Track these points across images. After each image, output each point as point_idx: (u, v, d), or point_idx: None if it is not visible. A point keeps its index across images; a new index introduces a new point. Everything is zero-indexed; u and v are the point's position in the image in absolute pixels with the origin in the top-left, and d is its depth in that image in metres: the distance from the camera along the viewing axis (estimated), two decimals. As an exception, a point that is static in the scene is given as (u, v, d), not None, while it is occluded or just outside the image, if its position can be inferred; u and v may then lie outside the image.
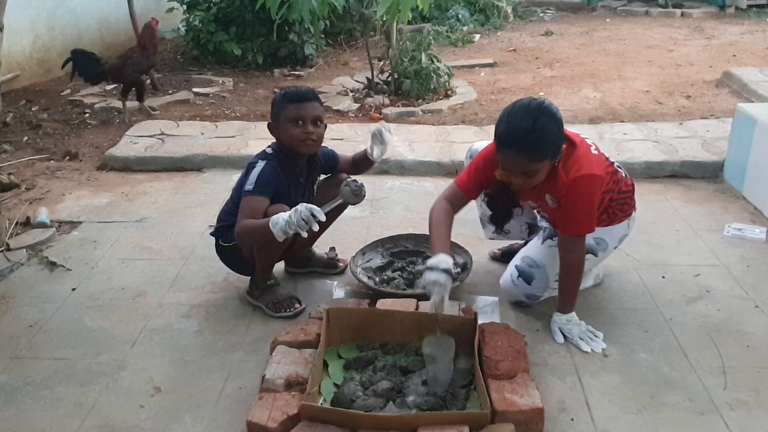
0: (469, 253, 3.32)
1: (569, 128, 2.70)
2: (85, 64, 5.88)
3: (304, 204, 2.59)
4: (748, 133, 4.18)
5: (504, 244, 3.51)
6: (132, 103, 6.31)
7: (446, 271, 2.55)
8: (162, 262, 3.54)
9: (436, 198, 2.94)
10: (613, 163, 2.92)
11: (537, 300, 3.05)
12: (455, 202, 2.92)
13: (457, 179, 2.95)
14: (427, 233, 2.95)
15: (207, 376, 2.65)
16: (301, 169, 3.06)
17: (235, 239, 2.86)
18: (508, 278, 3.04)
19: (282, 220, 2.60)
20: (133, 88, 6.09)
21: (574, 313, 2.87)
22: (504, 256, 3.46)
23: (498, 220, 3.18)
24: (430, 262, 2.60)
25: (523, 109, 2.53)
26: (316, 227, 2.59)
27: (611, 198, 2.89)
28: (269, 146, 3.03)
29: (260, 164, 2.90)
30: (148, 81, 6.66)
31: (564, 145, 2.64)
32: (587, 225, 2.73)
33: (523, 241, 3.39)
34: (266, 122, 3.07)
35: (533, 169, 2.58)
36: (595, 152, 2.75)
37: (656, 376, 2.61)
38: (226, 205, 3.12)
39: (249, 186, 2.84)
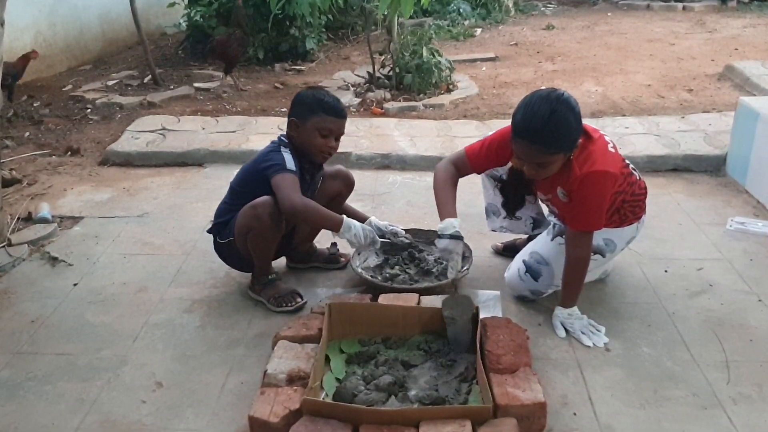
0: (467, 244, 3.31)
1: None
2: (198, 41, 6.66)
3: (375, 233, 3.02)
4: (750, 126, 4.17)
5: (506, 237, 3.50)
6: (133, 99, 6.31)
7: (453, 237, 2.74)
8: (163, 257, 3.54)
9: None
10: (628, 164, 2.90)
11: (540, 296, 3.04)
12: (461, 168, 2.96)
13: (468, 147, 2.96)
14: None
15: (209, 371, 2.65)
16: (308, 167, 3.07)
17: (296, 210, 2.80)
18: (515, 272, 3.03)
19: (355, 229, 2.91)
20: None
21: (576, 308, 2.86)
22: (506, 250, 3.45)
23: (510, 206, 3.16)
24: (438, 227, 2.75)
25: (542, 100, 2.53)
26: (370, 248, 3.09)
27: (623, 200, 2.88)
28: (283, 136, 3.04)
29: (287, 152, 2.94)
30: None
31: (581, 139, 2.63)
32: (596, 222, 2.72)
33: (525, 236, 3.39)
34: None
35: (547, 161, 2.59)
36: (612, 150, 2.73)
37: (659, 371, 2.60)
38: (223, 202, 3.12)
39: (290, 166, 2.88)
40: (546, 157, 2.57)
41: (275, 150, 2.96)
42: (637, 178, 2.94)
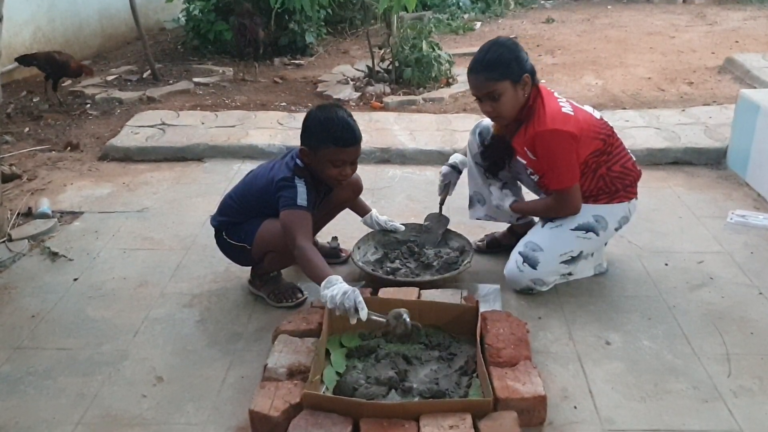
0: (466, 238, 3.33)
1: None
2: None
3: (356, 294, 2.42)
4: (751, 119, 4.16)
5: (490, 227, 3.55)
6: (132, 94, 6.31)
7: (449, 165, 3.41)
8: (163, 252, 3.54)
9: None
10: (611, 135, 2.99)
11: (546, 287, 3.05)
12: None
13: None
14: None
15: (209, 365, 2.65)
16: (323, 187, 3.01)
17: (294, 254, 2.65)
18: (513, 266, 3.04)
19: (332, 291, 2.43)
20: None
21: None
22: (489, 247, 3.46)
23: (493, 170, 3.26)
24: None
25: (487, 43, 2.93)
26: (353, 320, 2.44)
27: (609, 167, 2.96)
28: (296, 157, 2.87)
29: (301, 184, 2.78)
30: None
31: (537, 100, 2.88)
32: (568, 178, 2.89)
33: (505, 228, 3.47)
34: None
35: (493, 90, 2.83)
36: (569, 111, 2.87)
37: (660, 364, 2.60)
38: (232, 200, 3.04)
39: (302, 202, 2.73)
40: (491, 85, 2.83)
41: (289, 180, 2.79)
42: (631, 157, 3.07)
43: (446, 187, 3.41)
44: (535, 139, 2.84)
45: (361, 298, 2.41)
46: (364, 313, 2.40)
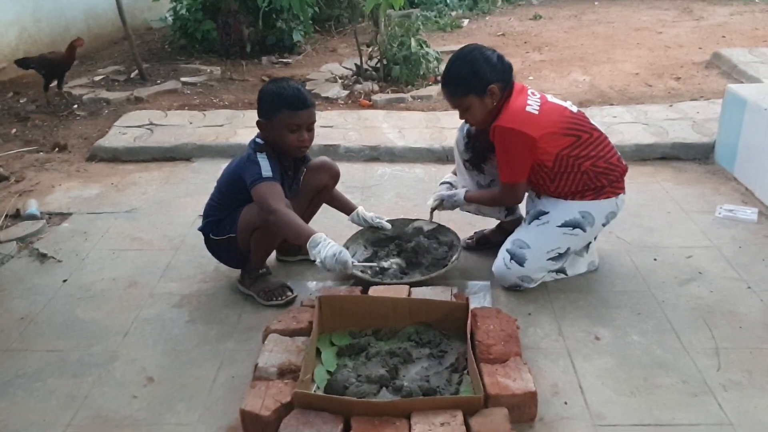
0: (455, 233, 3.34)
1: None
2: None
3: (345, 253, 2.62)
4: (738, 114, 4.18)
5: (480, 224, 3.55)
6: (120, 94, 6.29)
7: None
8: (152, 252, 3.53)
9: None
10: (588, 131, 2.98)
11: (534, 283, 3.05)
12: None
13: None
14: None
15: (199, 365, 2.64)
16: (290, 163, 3.05)
17: (270, 223, 2.75)
18: (501, 263, 3.05)
19: (322, 249, 2.61)
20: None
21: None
22: (479, 244, 3.47)
23: (475, 161, 3.27)
24: None
25: (457, 52, 2.97)
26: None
27: (593, 164, 2.95)
28: (260, 137, 2.97)
29: (263, 158, 2.86)
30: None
31: (510, 97, 2.91)
32: (510, 174, 2.96)
33: (494, 226, 3.47)
34: (255, 109, 3.03)
35: (460, 104, 2.94)
36: (533, 111, 2.88)
37: (649, 359, 2.61)
38: (211, 200, 3.10)
39: (267, 173, 2.81)
40: (456, 100, 2.93)
41: (251, 157, 2.89)
42: (616, 152, 3.06)
43: (436, 202, 3.36)
44: (494, 132, 2.89)
45: (349, 257, 2.63)
46: (350, 270, 2.68)
